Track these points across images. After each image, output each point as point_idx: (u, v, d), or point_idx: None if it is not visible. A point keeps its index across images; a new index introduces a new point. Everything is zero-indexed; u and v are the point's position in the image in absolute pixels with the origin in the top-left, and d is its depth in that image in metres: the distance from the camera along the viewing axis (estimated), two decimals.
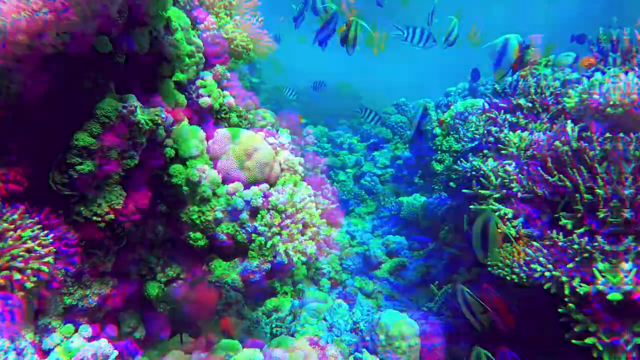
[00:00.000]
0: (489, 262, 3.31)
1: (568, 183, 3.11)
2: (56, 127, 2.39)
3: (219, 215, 3.30)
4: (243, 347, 3.26)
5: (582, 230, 2.97)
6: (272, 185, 3.54)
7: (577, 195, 3.03)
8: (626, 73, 3.45)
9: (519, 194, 3.49)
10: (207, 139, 3.49)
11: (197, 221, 3.29)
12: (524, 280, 3.15)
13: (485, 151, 4.25)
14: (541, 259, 3.07)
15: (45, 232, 2.25)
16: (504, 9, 25.80)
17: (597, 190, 2.91)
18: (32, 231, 2.21)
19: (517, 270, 3.20)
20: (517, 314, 3.49)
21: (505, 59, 3.52)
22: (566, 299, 2.84)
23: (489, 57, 3.61)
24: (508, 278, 3.24)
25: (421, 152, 8.71)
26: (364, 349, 4.02)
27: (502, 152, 3.78)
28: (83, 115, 2.39)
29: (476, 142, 4.52)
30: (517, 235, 3.39)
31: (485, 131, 4.35)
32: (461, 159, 4.35)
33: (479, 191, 3.69)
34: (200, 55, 3.64)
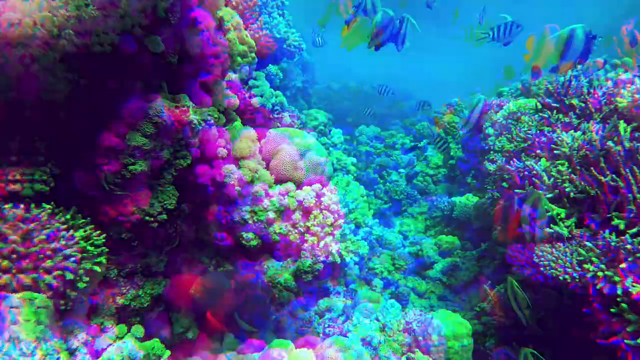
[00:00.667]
0: None
1: (621, 183, 3.09)
2: (88, 127, 2.42)
3: (272, 215, 3.34)
4: (296, 347, 3.30)
5: (634, 230, 2.95)
6: (325, 185, 3.57)
7: (629, 195, 3.01)
8: None
9: (572, 194, 3.48)
10: (260, 138, 3.53)
11: (250, 221, 3.33)
12: (577, 279, 3.14)
13: (538, 151, 4.23)
14: (594, 258, 3.05)
15: (72, 232, 2.27)
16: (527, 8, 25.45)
17: None
18: (85, 231, 2.27)
19: (569, 270, 3.19)
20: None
21: (570, 51, 3.49)
22: (619, 299, 2.83)
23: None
24: (561, 278, 3.23)
25: (474, 152, 8.66)
26: (417, 349, 4.03)
27: (555, 152, 3.76)
28: (130, 116, 2.42)
29: (529, 142, 4.50)
30: (570, 235, 3.37)
31: (538, 131, 4.33)
32: (514, 159, 4.34)
33: (532, 191, 3.68)
34: (253, 55, 3.68)
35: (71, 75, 2.19)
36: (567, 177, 3.53)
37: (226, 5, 3.60)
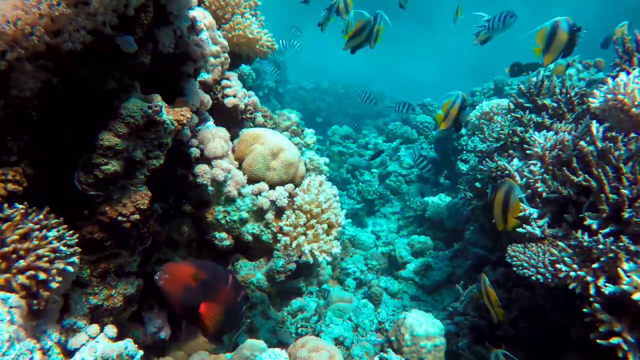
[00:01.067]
0: (507, 230, 3.36)
1: (593, 183, 3.10)
2: (75, 127, 2.40)
3: (244, 215, 3.32)
4: (268, 347, 3.28)
5: (607, 230, 2.96)
6: (297, 185, 3.55)
7: (602, 195, 3.02)
8: None
9: (544, 194, 3.49)
10: (233, 138, 3.51)
11: (223, 221, 3.31)
12: (549, 280, 3.15)
13: (511, 151, 4.24)
14: (567, 258, 3.06)
15: (71, 232, 2.27)
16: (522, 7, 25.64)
17: (623, 190, 2.91)
18: (58, 231, 2.24)
19: (542, 270, 3.20)
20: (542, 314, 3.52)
21: (554, 43, 3.51)
22: (591, 299, 2.84)
23: (537, 41, 3.60)
24: (533, 278, 3.24)
25: (447, 152, 8.72)
26: (390, 349, 4.03)
27: (528, 152, 3.77)
28: (106, 115, 2.41)
29: (501, 142, 4.51)
30: (542, 235, 3.38)
31: (511, 131, 4.34)
32: (486, 159, 4.35)
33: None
34: (226, 55, 3.66)
35: (43, 74, 2.17)
36: (540, 177, 3.54)
37: (199, 5, 3.57)
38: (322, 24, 4.79)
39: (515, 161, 3.87)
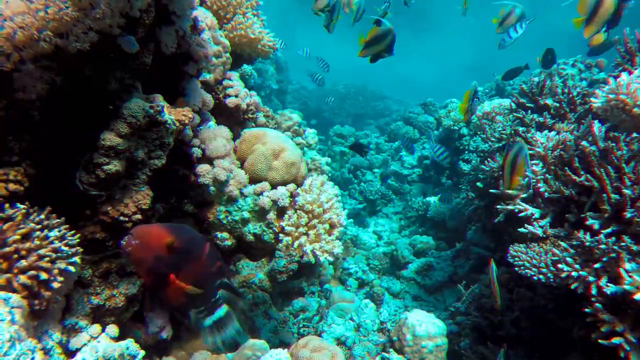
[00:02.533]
0: (509, 191, 3.38)
1: (595, 183, 3.10)
2: (79, 126, 2.40)
3: (246, 215, 3.32)
4: (270, 347, 3.28)
5: (609, 230, 2.96)
6: (299, 185, 3.55)
7: (604, 195, 3.02)
8: None
9: (546, 194, 3.49)
10: (235, 138, 3.51)
11: (224, 221, 3.31)
12: (551, 280, 3.15)
13: None
14: (568, 258, 3.06)
15: (73, 232, 2.27)
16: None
17: (624, 190, 2.91)
18: (59, 231, 2.24)
19: (544, 270, 3.20)
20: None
21: (599, 12, 3.41)
22: (593, 299, 2.84)
23: (578, 10, 3.46)
24: (535, 278, 3.24)
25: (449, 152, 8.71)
26: (391, 349, 4.03)
27: (530, 152, 3.77)
28: (108, 115, 2.41)
29: (503, 142, 4.51)
30: (544, 235, 3.38)
31: (513, 131, 4.34)
32: (488, 159, 4.35)
33: (506, 191, 3.69)
34: (228, 55, 3.66)
35: (48, 75, 2.17)
36: (542, 177, 3.54)
37: (201, 5, 3.58)
38: (328, 25, 4.75)
39: None
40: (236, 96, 3.70)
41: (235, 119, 3.80)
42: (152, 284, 2.15)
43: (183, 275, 2.05)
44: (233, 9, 3.98)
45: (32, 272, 2.07)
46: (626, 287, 2.64)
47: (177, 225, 2.09)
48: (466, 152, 8.05)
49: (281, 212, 3.39)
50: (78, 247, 2.30)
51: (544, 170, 3.58)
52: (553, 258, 3.18)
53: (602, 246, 2.86)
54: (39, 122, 2.26)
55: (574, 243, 3.12)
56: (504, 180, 3.26)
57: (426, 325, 3.89)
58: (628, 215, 2.86)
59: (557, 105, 4.19)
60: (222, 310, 2.37)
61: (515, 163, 3.17)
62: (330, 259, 3.27)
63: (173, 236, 1.94)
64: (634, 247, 2.75)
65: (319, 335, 4.59)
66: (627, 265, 2.73)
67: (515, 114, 4.44)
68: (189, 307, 2.29)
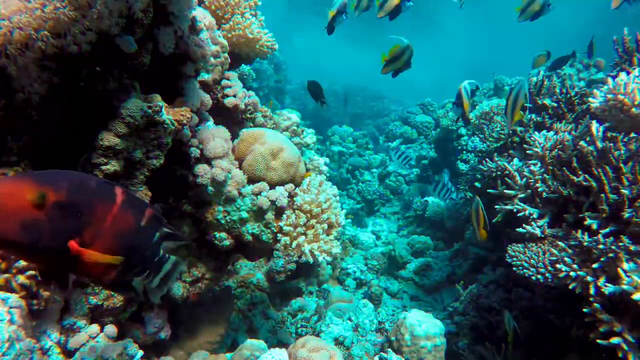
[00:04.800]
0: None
1: (593, 183, 3.10)
2: (81, 127, 2.40)
3: (245, 215, 3.32)
4: (268, 347, 3.28)
5: (607, 230, 2.96)
6: (297, 185, 3.55)
7: (602, 195, 3.02)
8: None
9: (544, 194, 3.49)
10: (233, 138, 3.50)
11: (223, 221, 3.31)
12: (549, 280, 3.15)
13: (511, 151, 4.24)
14: (567, 258, 3.06)
15: None
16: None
17: (623, 190, 2.91)
18: None
19: (542, 270, 3.20)
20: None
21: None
22: (591, 299, 2.84)
23: None
24: (533, 278, 3.24)
25: (447, 152, 8.72)
26: (390, 349, 4.03)
27: (528, 152, 3.77)
28: (106, 115, 2.41)
29: (502, 142, 4.52)
30: (542, 235, 3.38)
31: (511, 131, 4.35)
32: (486, 159, 4.35)
33: (504, 191, 3.69)
34: (226, 55, 3.65)
35: (46, 75, 2.17)
36: (540, 177, 3.54)
37: (199, 5, 3.57)
38: (329, 27, 4.70)
39: (515, 161, 3.87)
40: (234, 96, 3.70)
41: (233, 119, 3.80)
42: (48, 266, 1.52)
43: (91, 239, 1.41)
44: (231, 9, 3.97)
45: (31, 272, 2.07)
46: (625, 287, 2.64)
47: (52, 172, 1.41)
48: (464, 152, 8.06)
49: (279, 212, 3.39)
50: None
51: (542, 170, 3.58)
52: (551, 258, 3.18)
53: (601, 246, 2.86)
54: (37, 122, 2.26)
55: (572, 243, 3.12)
56: (507, 117, 3.31)
57: (424, 325, 3.89)
58: (626, 215, 2.86)
59: (556, 105, 4.19)
60: (169, 262, 1.86)
61: (517, 100, 3.24)
62: (329, 258, 3.26)
63: (43, 187, 1.28)
64: (633, 247, 2.75)
65: (317, 335, 4.59)
66: (626, 265, 2.73)
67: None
68: (124, 277, 1.65)
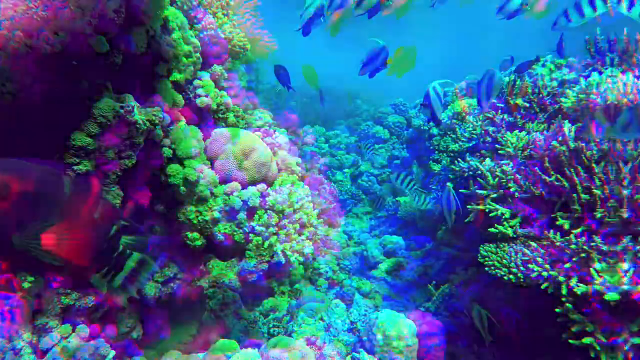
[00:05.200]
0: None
1: (565, 183, 3.11)
2: (54, 127, 2.39)
3: (217, 215, 3.30)
4: (241, 347, 3.26)
5: (579, 230, 2.97)
6: (269, 185, 3.54)
7: (574, 195, 3.03)
8: (624, 73, 3.46)
9: (517, 194, 3.50)
10: (205, 138, 3.49)
11: (195, 221, 3.29)
12: (522, 280, 3.15)
13: (483, 151, 4.25)
14: (538, 258, 3.07)
15: None
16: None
17: (595, 190, 2.92)
18: None
19: (514, 270, 3.20)
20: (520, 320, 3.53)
21: None
22: (563, 299, 2.85)
23: None
24: (505, 278, 3.24)
25: (419, 152, 8.73)
26: (362, 349, 4.02)
27: (500, 152, 3.78)
28: (81, 116, 2.39)
29: (474, 142, 4.53)
30: (515, 235, 3.39)
31: (483, 131, 4.35)
32: (458, 159, 4.36)
33: (476, 191, 3.70)
34: (198, 55, 3.63)
35: (17, 74, 2.16)
36: (512, 177, 3.54)
37: (171, 5, 3.55)
38: (305, 29, 4.65)
39: (487, 161, 3.87)
40: (207, 96, 3.67)
41: (205, 119, 3.78)
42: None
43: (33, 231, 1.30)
44: (231, 9, 3.98)
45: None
46: (597, 287, 2.65)
47: (16, 161, 1.38)
48: (436, 152, 8.08)
49: (251, 212, 3.38)
50: None
51: (515, 170, 3.59)
52: (523, 258, 3.19)
53: (573, 246, 2.87)
54: (8, 122, 2.24)
55: (545, 243, 3.13)
56: (482, 100, 3.35)
57: (396, 326, 3.88)
58: (598, 215, 2.87)
59: (528, 105, 4.20)
60: (133, 260, 1.75)
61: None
62: (301, 259, 3.26)
63: (6, 176, 1.28)
64: (605, 247, 2.76)
65: (289, 335, 4.57)
66: (598, 265, 2.74)
67: (485, 114, 4.45)
68: (82, 274, 1.63)
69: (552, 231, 3.08)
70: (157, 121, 2.71)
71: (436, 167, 6.56)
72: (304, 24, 4.14)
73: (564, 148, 3.27)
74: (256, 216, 3.32)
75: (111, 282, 1.77)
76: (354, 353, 4.00)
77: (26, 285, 2.15)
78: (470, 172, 4.03)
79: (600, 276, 2.70)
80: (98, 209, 1.59)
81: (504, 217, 3.49)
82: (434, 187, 6.42)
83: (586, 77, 3.41)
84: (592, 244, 2.80)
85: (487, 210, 3.58)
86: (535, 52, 5.09)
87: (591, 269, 2.75)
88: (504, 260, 3.29)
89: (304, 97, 13.31)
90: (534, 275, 3.03)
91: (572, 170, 3.09)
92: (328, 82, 19.63)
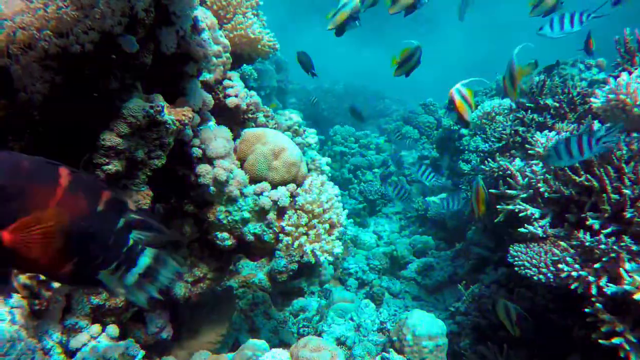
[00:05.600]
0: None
1: (595, 183, 3.10)
2: (81, 127, 2.40)
3: (246, 215, 3.32)
4: (270, 347, 3.28)
5: (609, 230, 2.96)
6: (299, 185, 3.55)
7: (604, 195, 3.02)
8: None
9: (546, 194, 3.49)
10: (235, 138, 3.50)
11: (224, 221, 3.31)
12: (551, 280, 3.15)
13: (512, 151, 4.24)
14: (568, 258, 3.06)
15: None
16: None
17: (624, 190, 2.91)
18: None
19: (544, 270, 3.20)
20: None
21: None
22: (593, 299, 2.84)
23: None
24: (535, 278, 3.23)
25: (449, 152, 8.71)
26: (391, 349, 4.02)
27: (529, 152, 3.77)
28: (110, 116, 2.41)
29: (503, 142, 4.51)
30: (544, 235, 3.38)
31: (513, 131, 4.34)
32: (488, 159, 4.35)
33: (506, 191, 3.69)
34: (228, 55, 3.65)
35: (48, 74, 2.17)
36: (542, 177, 3.54)
37: (201, 5, 3.58)
38: (338, 30, 4.63)
39: (517, 161, 3.86)
40: (236, 96, 3.69)
41: (235, 119, 3.80)
42: None
43: (27, 227, 1.23)
44: (233, 8, 3.98)
45: (32, 272, 2.08)
46: (626, 287, 2.64)
47: None
48: (466, 152, 8.05)
49: (281, 212, 3.39)
50: None
51: (544, 170, 3.58)
52: (553, 258, 3.18)
53: (602, 246, 2.86)
54: (39, 122, 2.26)
55: (574, 243, 3.12)
56: (509, 91, 3.39)
57: (426, 325, 3.88)
58: (628, 215, 2.86)
59: (557, 105, 4.19)
60: (147, 255, 1.63)
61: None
62: (330, 259, 3.27)
63: None
64: (634, 247, 2.75)
65: (319, 335, 4.59)
66: (627, 265, 2.74)
67: (515, 114, 4.44)
68: (87, 271, 1.48)
69: (581, 231, 3.07)
70: (186, 121, 2.73)
71: (466, 167, 6.55)
72: (339, 25, 4.14)
73: None
74: (286, 216, 3.33)
75: (123, 279, 1.60)
76: (383, 353, 4.01)
77: (55, 285, 2.18)
78: (500, 172, 4.02)
79: (630, 276, 2.69)
80: (102, 200, 1.42)
81: (533, 217, 3.48)
82: (463, 187, 6.40)
83: (615, 77, 3.39)
84: (622, 244, 2.79)
85: (517, 210, 3.57)
86: (562, 51, 5.06)
87: (621, 269, 2.74)
88: (534, 260, 3.29)
89: (332, 96, 13.31)
90: (563, 275, 3.02)
91: (601, 170, 3.08)
92: (358, 82, 19.63)
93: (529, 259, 3.32)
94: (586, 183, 3.17)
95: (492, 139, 4.70)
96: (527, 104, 4.44)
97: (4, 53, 1.91)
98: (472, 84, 3.85)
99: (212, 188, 3.20)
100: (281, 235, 3.32)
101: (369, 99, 18.15)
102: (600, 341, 2.72)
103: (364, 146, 11.53)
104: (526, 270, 3.30)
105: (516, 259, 3.40)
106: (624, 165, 3.03)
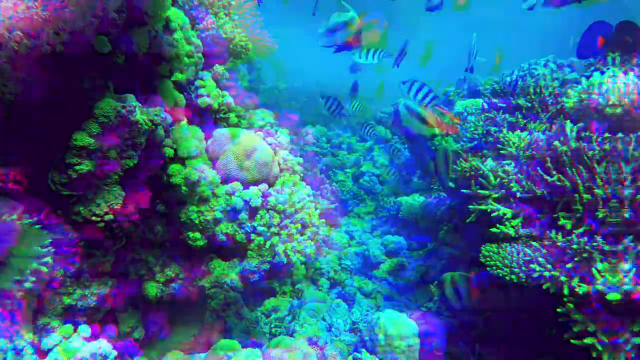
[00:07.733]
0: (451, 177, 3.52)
1: (567, 183, 3.11)
2: (56, 127, 2.39)
3: (218, 215, 3.30)
4: (242, 347, 3.26)
5: (581, 230, 2.97)
6: (271, 185, 3.54)
7: (576, 195, 3.03)
8: (625, 73, 3.46)
9: (518, 194, 3.49)
10: (206, 138, 3.49)
11: (196, 221, 3.29)
12: (523, 280, 3.15)
13: (484, 151, 4.25)
14: (540, 258, 3.07)
15: (45, 232, 2.26)
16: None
17: (596, 190, 2.92)
18: None
19: (516, 270, 3.20)
20: (517, 314, 3.52)
21: None
22: (565, 299, 2.84)
23: None
24: (507, 278, 3.24)
25: (420, 151, 8.72)
26: (363, 349, 4.02)
27: (501, 152, 3.78)
28: (83, 116, 2.39)
29: (475, 142, 4.52)
30: (517, 235, 3.39)
31: (484, 131, 4.35)
32: (460, 159, 4.35)
33: (478, 191, 3.69)
34: (200, 55, 3.64)
35: (19, 74, 2.16)
36: (514, 177, 3.54)
37: (173, 5, 3.55)
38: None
39: (489, 161, 3.87)
40: (208, 96, 3.68)
41: (207, 119, 3.78)
42: None
43: None
44: (232, 9, 3.99)
45: None
46: (598, 287, 2.65)
47: None
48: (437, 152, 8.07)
49: (253, 212, 3.38)
50: (50, 247, 2.29)
51: (516, 170, 3.59)
52: (525, 258, 3.19)
53: (574, 246, 2.87)
54: (10, 121, 2.25)
55: (546, 243, 3.13)
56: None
57: (398, 326, 3.88)
58: (600, 215, 2.87)
59: (530, 105, 4.20)
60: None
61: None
62: (302, 259, 3.26)
63: None
64: (606, 247, 2.76)
65: (291, 335, 4.57)
66: (599, 265, 2.74)
67: (487, 114, 4.45)
68: None
69: (553, 231, 3.08)
70: (158, 121, 2.72)
71: None
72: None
73: (565, 148, 3.26)
74: (258, 216, 3.32)
75: None
76: (355, 353, 4.00)
77: (28, 285, 2.15)
78: (472, 172, 4.02)
79: (602, 276, 2.69)
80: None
81: (505, 217, 3.49)
82: (435, 187, 6.41)
83: (588, 77, 3.41)
84: (594, 244, 2.80)
85: (488, 210, 3.58)
86: (537, 53, 5.08)
87: (593, 269, 2.75)
88: (506, 260, 3.29)
89: (304, 96, 13.31)
90: (535, 275, 3.02)
91: (573, 170, 3.09)
92: (332, 81, 19.64)
93: (501, 259, 3.33)
94: (558, 183, 3.18)
95: (464, 139, 4.70)
96: (499, 104, 4.45)
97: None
98: (428, 93, 3.88)
99: (184, 188, 3.18)
100: (253, 235, 3.31)
101: (341, 99, 18.18)
102: (572, 341, 2.73)
103: (335, 146, 11.52)
104: (498, 271, 3.30)
105: (488, 259, 3.40)
106: (595, 165, 3.04)
